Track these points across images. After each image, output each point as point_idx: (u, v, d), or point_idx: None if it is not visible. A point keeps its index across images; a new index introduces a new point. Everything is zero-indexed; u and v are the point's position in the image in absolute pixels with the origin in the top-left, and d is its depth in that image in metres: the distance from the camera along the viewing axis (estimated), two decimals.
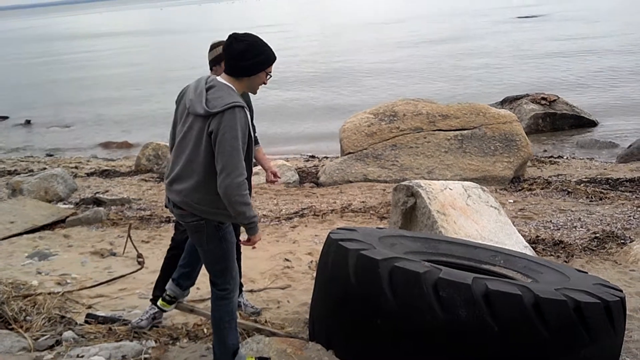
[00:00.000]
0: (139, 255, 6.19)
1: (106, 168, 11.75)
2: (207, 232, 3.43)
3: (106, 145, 15.94)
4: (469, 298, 3.18)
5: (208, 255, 3.51)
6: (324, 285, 3.89)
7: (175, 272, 3.98)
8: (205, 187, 3.31)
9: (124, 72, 29.50)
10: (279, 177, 4.71)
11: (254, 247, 3.58)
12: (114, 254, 6.48)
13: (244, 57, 3.31)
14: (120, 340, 4.11)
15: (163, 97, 20.10)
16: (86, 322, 4.49)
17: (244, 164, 3.25)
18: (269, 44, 3.42)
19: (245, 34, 3.39)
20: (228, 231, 3.49)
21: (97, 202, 8.64)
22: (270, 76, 3.48)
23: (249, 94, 4.49)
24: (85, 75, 29.65)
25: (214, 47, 4.32)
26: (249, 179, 3.43)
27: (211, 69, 4.33)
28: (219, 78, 3.38)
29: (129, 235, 6.49)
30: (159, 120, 16.64)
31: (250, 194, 3.62)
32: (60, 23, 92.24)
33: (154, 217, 7.93)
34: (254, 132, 4.64)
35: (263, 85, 3.49)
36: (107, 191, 9.48)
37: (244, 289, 4.96)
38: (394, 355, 3.36)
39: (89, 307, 4.94)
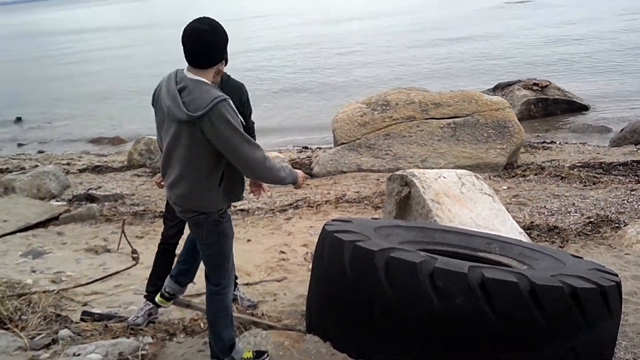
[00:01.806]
0: (134, 251, 6.17)
1: (98, 164, 11.70)
2: (206, 226, 3.39)
3: (98, 140, 15.85)
4: (466, 287, 3.17)
5: (206, 249, 3.49)
6: (320, 277, 3.88)
7: (174, 268, 3.94)
8: (205, 186, 3.28)
9: (113, 67, 29.31)
10: (264, 190, 4.47)
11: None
12: (108, 250, 6.46)
13: (215, 46, 3.21)
14: (117, 337, 4.10)
15: (152, 91, 19.97)
16: (82, 319, 4.48)
17: (253, 141, 3.25)
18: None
19: (206, 19, 3.24)
20: (227, 225, 3.46)
21: (90, 198, 8.61)
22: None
23: (243, 84, 4.46)
24: (75, 71, 29.44)
25: None
26: None
27: None
28: (187, 74, 3.21)
29: (122, 231, 6.47)
30: (150, 115, 16.50)
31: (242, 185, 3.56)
32: (47, 19, 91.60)
33: (147, 212, 7.91)
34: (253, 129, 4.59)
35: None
36: (99, 187, 9.45)
37: (239, 282, 4.95)
38: (392, 346, 3.36)
39: (85, 304, 4.93)
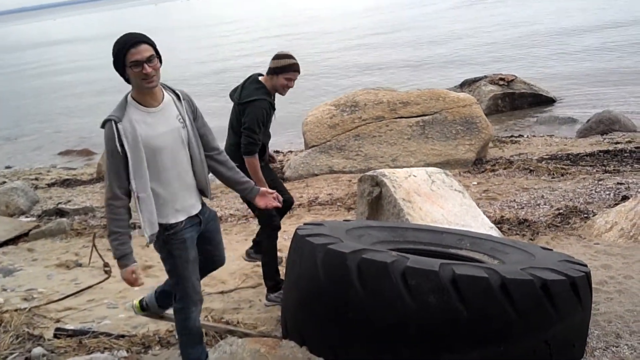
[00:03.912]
0: (106, 265, 6.11)
1: (67, 177, 11.56)
2: (158, 244, 3.40)
3: (66, 153, 15.64)
4: (437, 284, 3.18)
5: (164, 264, 3.49)
6: (294, 282, 3.87)
7: (161, 285, 3.89)
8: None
9: (80, 80, 29.02)
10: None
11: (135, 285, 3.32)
12: (80, 265, 6.39)
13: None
14: (91, 352, 4.06)
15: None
16: (55, 336, 4.42)
17: (112, 183, 3.16)
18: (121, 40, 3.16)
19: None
20: (176, 247, 3.37)
21: (60, 212, 8.50)
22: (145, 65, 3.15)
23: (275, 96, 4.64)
24: (42, 85, 29.17)
25: (278, 57, 4.64)
26: (140, 191, 3.22)
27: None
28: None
29: (93, 245, 6.41)
30: None
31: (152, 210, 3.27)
32: (13, 32, 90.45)
33: None
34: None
35: (144, 80, 3.15)
36: (69, 201, 9.33)
37: (214, 290, 4.93)
38: (367, 347, 3.36)
39: (58, 321, 4.87)
